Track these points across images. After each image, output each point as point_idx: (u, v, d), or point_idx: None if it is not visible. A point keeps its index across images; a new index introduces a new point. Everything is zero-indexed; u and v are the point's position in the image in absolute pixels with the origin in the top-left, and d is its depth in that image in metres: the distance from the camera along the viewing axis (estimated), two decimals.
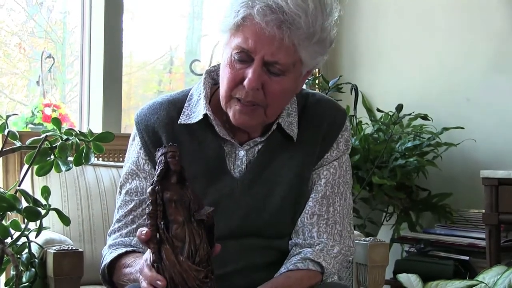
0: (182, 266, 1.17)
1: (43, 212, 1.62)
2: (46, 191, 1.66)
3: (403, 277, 2.12)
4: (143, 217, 1.53)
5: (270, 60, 1.42)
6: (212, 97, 1.57)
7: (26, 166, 1.67)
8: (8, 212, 1.64)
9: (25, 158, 1.66)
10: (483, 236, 2.73)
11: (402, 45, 3.49)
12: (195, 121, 1.54)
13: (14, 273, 1.60)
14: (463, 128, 3.07)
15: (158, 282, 1.19)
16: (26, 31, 3.06)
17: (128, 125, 3.06)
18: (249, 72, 1.43)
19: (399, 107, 3.12)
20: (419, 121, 3.14)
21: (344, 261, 1.60)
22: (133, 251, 1.51)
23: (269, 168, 1.56)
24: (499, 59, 3.13)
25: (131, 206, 1.56)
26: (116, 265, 1.51)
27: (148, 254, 1.23)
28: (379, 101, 3.45)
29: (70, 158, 1.65)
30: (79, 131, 1.66)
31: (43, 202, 1.64)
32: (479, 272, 2.12)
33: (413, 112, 3.12)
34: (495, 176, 2.62)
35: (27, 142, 1.66)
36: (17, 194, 1.63)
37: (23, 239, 1.67)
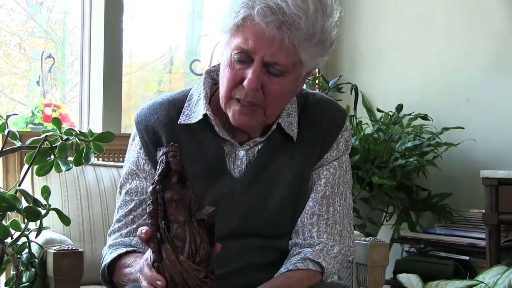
0: (182, 266, 1.18)
1: (43, 212, 1.62)
2: (46, 191, 1.66)
3: (403, 277, 2.12)
4: (143, 217, 1.53)
5: (270, 61, 1.42)
6: (212, 97, 1.57)
7: (26, 166, 1.67)
8: (8, 212, 1.64)
9: (25, 158, 1.66)
10: (483, 236, 2.73)
11: (402, 45, 3.49)
12: (195, 121, 1.54)
13: (14, 273, 1.60)
14: (463, 128, 3.07)
15: (158, 282, 1.19)
16: (26, 31, 3.06)
17: (128, 125, 3.06)
18: (249, 73, 1.43)
19: (399, 107, 3.12)
20: (419, 121, 3.14)
21: (344, 261, 1.60)
22: (133, 251, 1.51)
23: (269, 168, 1.56)
24: (499, 59, 3.13)
25: (131, 206, 1.56)
26: (116, 265, 1.51)
27: (148, 254, 1.23)
28: (379, 101, 3.45)
29: (70, 158, 1.65)
30: (79, 131, 1.66)
31: (43, 202, 1.64)
32: (479, 272, 2.12)
33: (413, 112, 3.12)
34: (495, 176, 2.62)
35: (27, 142, 1.66)
36: (17, 194, 1.63)
37: (23, 239, 1.67)
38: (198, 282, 1.18)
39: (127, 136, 1.66)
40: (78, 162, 1.64)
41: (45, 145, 1.63)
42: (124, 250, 1.52)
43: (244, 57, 1.44)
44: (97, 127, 2.84)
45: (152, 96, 3.35)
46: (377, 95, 3.52)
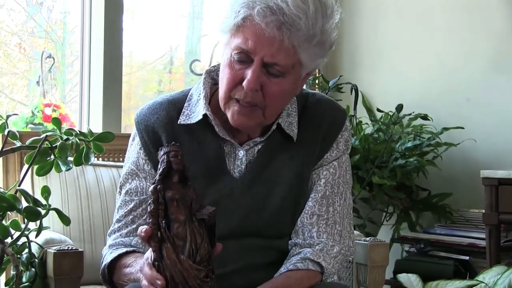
0: (183, 265, 1.18)
1: (43, 212, 1.62)
2: (46, 191, 1.66)
3: (403, 277, 2.12)
4: (143, 217, 1.53)
5: (270, 61, 1.42)
6: (212, 97, 1.57)
7: (26, 166, 1.67)
8: (8, 212, 1.65)
9: (25, 158, 1.66)
10: (483, 236, 2.73)
11: (402, 45, 3.49)
12: (194, 121, 1.54)
13: (14, 273, 1.60)
14: (463, 128, 3.07)
15: (158, 281, 1.19)
16: (26, 31, 3.06)
17: (128, 125, 3.06)
18: (248, 73, 1.43)
19: (399, 107, 3.12)
20: (419, 121, 3.14)
21: (344, 261, 1.60)
22: (133, 251, 1.51)
23: (269, 168, 1.56)
24: (499, 59, 3.13)
25: (131, 206, 1.55)
26: (116, 265, 1.51)
27: (149, 253, 1.23)
28: (379, 101, 3.45)
29: (70, 158, 1.65)
30: (79, 131, 1.66)
31: (43, 202, 1.64)
32: (479, 272, 2.12)
33: (413, 112, 3.12)
34: (495, 176, 2.62)
35: (27, 142, 1.66)
36: (17, 194, 1.63)
37: (23, 239, 1.67)
38: (199, 282, 1.18)
39: (127, 136, 1.66)
40: (78, 162, 1.64)
41: (45, 145, 1.63)
42: (124, 250, 1.52)
43: (244, 57, 1.44)
44: (97, 127, 2.84)
45: (152, 96, 3.35)
46: (377, 95, 3.52)
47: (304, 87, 1.64)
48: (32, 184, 2.10)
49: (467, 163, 3.17)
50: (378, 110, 3.28)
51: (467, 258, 2.81)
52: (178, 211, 1.19)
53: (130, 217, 1.55)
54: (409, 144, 3.08)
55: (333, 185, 1.59)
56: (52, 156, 1.65)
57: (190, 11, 3.51)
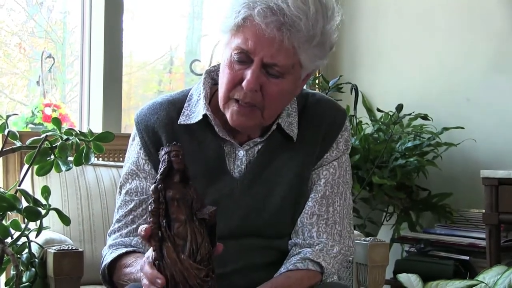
0: (183, 264, 1.18)
1: (43, 212, 1.62)
2: (46, 191, 1.66)
3: (403, 277, 2.12)
4: (143, 217, 1.53)
5: (269, 62, 1.42)
6: (212, 97, 1.57)
7: (26, 166, 1.67)
8: (8, 212, 1.65)
9: (25, 158, 1.66)
10: (483, 236, 2.73)
11: (402, 45, 3.49)
12: (194, 121, 1.54)
13: (14, 273, 1.60)
14: (463, 128, 3.07)
15: (158, 281, 1.19)
16: (26, 31, 3.06)
17: (128, 125, 3.06)
18: (248, 73, 1.43)
19: (399, 107, 3.12)
20: (419, 121, 3.14)
21: (344, 261, 1.60)
22: (133, 251, 1.51)
23: (269, 168, 1.56)
24: (499, 59, 3.13)
25: (131, 206, 1.55)
26: (116, 265, 1.51)
27: (149, 252, 1.24)
28: (379, 101, 3.45)
29: (70, 158, 1.65)
30: (79, 131, 1.67)
31: (43, 202, 1.64)
32: (479, 272, 2.12)
33: (413, 112, 3.12)
34: (495, 176, 2.62)
35: (27, 142, 1.66)
36: (17, 194, 1.63)
37: (23, 239, 1.67)
38: (199, 281, 1.18)
39: (127, 136, 1.66)
40: (78, 162, 1.64)
41: (45, 145, 1.63)
42: (124, 250, 1.52)
43: (243, 58, 1.44)
44: (97, 127, 2.84)
45: (152, 96, 3.35)
46: (377, 95, 3.52)
47: (304, 87, 1.64)
48: (32, 184, 2.10)
49: (467, 163, 3.17)
50: (378, 110, 3.28)
51: (467, 258, 2.81)
52: (178, 211, 1.20)
53: (130, 217, 1.55)
54: (409, 144, 3.08)
55: (333, 185, 1.59)
56: (52, 156, 1.65)
57: (190, 11, 3.51)
